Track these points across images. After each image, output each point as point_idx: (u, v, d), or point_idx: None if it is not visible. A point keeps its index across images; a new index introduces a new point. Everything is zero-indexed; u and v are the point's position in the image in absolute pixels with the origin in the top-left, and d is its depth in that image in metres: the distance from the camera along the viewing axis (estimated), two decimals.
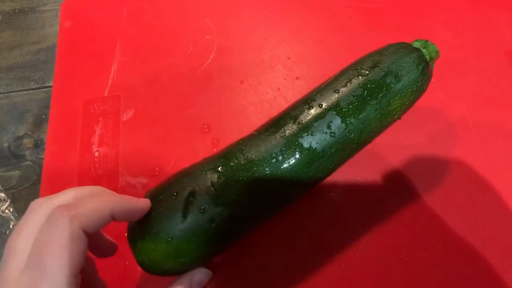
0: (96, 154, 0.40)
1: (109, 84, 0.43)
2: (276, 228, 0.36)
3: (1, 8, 0.50)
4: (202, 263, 0.30)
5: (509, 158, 0.38)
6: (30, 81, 0.45)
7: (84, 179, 0.38)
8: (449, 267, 0.34)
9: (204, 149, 0.39)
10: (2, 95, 0.44)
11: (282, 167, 0.29)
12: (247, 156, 0.30)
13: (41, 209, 0.25)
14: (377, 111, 0.31)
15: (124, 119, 0.41)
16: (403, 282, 0.33)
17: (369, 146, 0.34)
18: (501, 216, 0.36)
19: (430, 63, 0.34)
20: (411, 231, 0.35)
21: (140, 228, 0.28)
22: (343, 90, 0.32)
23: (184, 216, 0.28)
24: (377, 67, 0.33)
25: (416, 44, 0.35)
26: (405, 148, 0.39)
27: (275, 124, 0.32)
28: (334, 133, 0.30)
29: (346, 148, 0.31)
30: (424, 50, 0.34)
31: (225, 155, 0.31)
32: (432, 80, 0.38)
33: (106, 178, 0.39)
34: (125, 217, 0.27)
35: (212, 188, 0.29)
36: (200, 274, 0.29)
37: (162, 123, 0.41)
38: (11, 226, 0.38)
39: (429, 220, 0.35)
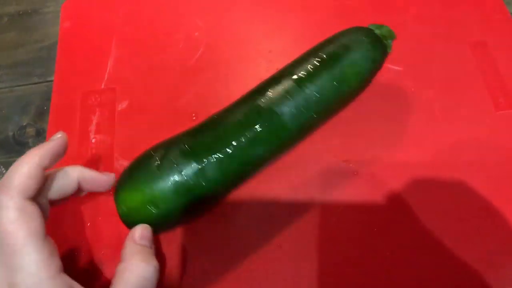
0: (93, 140, 0.43)
1: (106, 78, 0.46)
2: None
3: (7, 11, 0.53)
4: (177, 220, 0.33)
5: (471, 138, 0.41)
6: (33, 76, 0.49)
7: (82, 163, 0.42)
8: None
9: None
10: (7, 89, 0.48)
11: (247, 129, 0.34)
12: (217, 121, 0.34)
13: None
14: (330, 76, 0.35)
15: (119, 109, 0.45)
16: None
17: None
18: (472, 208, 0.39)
19: (384, 41, 0.38)
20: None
21: (121, 182, 0.33)
22: (299, 64, 0.36)
23: (158, 168, 0.32)
24: (330, 43, 0.37)
25: (371, 26, 0.39)
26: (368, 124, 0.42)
27: (242, 98, 0.37)
28: (289, 96, 0.34)
29: (306, 111, 0.35)
30: (377, 30, 0.38)
31: (199, 126, 0.35)
32: (401, 68, 0.41)
33: (102, 162, 0.42)
34: (54, 160, 0.31)
35: (184, 145, 0.33)
36: (139, 229, 0.31)
37: (154, 112, 0.44)
38: None
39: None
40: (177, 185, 0.32)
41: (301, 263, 0.37)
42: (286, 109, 0.34)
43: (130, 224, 0.32)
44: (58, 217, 0.39)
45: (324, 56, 0.36)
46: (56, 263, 0.27)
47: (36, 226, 0.27)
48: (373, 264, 0.37)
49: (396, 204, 0.39)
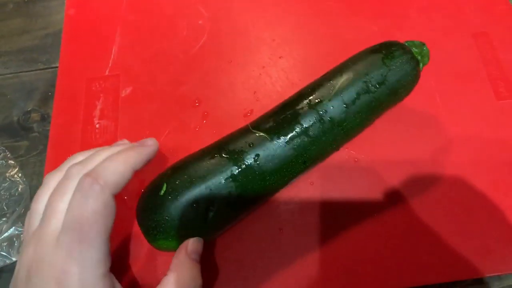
0: (97, 126, 0.44)
1: (110, 65, 0.47)
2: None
3: None
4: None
5: (471, 126, 0.42)
6: (38, 63, 0.49)
7: (86, 148, 0.42)
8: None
9: (195, 121, 0.43)
10: (12, 75, 0.48)
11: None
12: (259, 164, 0.33)
13: (76, 177, 0.29)
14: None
15: (123, 95, 0.45)
16: None
17: None
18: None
19: (421, 63, 0.39)
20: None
21: (158, 227, 0.32)
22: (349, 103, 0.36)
23: (206, 220, 0.32)
24: (383, 84, 0.36)
25: (415, 52, 0.38)
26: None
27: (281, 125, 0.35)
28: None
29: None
30: (419, 57, 0.38)
31: (237, 157, 0.33)
32: None
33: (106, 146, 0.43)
34: (144, 164, 0.32)
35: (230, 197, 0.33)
36: (192, 244, 0.32)
37: (157, 98, 0.45)
38: (19, 189, 0.42)
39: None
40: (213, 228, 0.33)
41: (302, 249, 0.38)
42: (322, 136, 0.35)
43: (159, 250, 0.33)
44: None
45: (375, 103, 0.36)
46: (109, 262, 0.28)
47: (110, 223, 0.28)
48: (370, 254, 0.38)
49: (394, 195, 0.39)
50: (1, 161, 0.43)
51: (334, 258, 0.37)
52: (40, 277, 0.26)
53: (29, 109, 0.46)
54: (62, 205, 0.28)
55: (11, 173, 0.42)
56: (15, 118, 0.46)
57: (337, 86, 0.35)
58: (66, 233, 0.27)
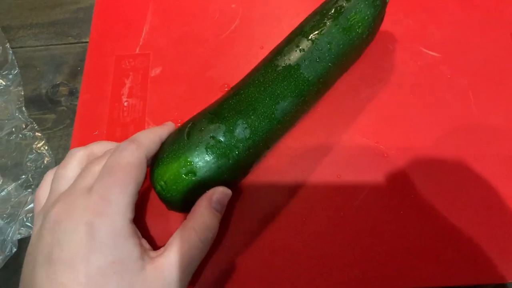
0: (125, 104, 0.44)
1: (140, 43, 0.47)
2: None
3: None
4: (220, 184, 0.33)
5: (503, 129, 0.41)
6: (68, 37, 0.49)
7: (113, 125, 0.42)
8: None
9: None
10: (42, 47, 0.49)
11: (267, 87, 0.35)
12: (239, 87, 0.37)
13: (110, 149, 0.32)
14: (337, 26, 0.37)
15: (152, 75, 0.45)
16: None
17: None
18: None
19: None
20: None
21: (154, 161, 0.33)
22: (307, 21, 0.39)
23: (187, 137, 0.33)
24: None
25: None
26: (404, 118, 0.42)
27: (260, 62, 0.39)
28: (303, 49, 0.36)
29: (320, 61, 0.36)
30: None
31: (223, 96, 0.37)
32: (439, 55, 0.41)
33: (133, 125, 0.42)
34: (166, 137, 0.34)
35: (209, 113, 0.34)
36: (218, 193, 0.32)
37: (186, 81, 0.45)
38: (45, 162, 0.42)
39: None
40: (209, 148, 0.32)
41: (317, 234, 0.38)
42: (302, 62, 0.36)
43: (171, 200, 0.33)
44: None
45: (328, 10, 0.38)
46: (133, 213, 0.30)
47: (141, 179, 0.30)
48: (390, 251, 0.37)
49: (417, 192, 0.39)
50: (28, 133, 0.43)
51: (359, 256, 0.37)
52: (70, 222, 0.27)
53: (57, 83, 0.47)
54: (98, 167, 0.30)
55: (38, 145, 0.43)
56: (44, 91, 0.46)
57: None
58: (102, 178, 0.28)
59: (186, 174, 0.32)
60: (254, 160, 0.36)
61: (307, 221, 0.38)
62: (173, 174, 0.32)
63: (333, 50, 0.37)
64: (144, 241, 0.31)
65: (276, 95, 0.35)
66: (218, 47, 0.46)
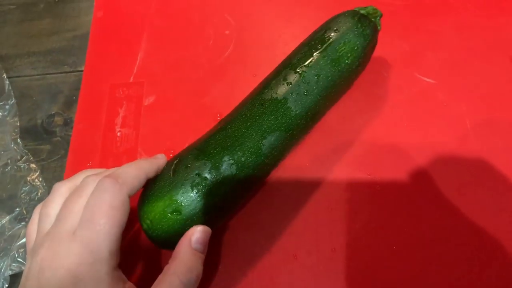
0: (118, 134, 0.44)
1: (135, 71, 0.47)
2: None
3: None
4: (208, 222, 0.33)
5: (501, 155, 0.40)
6: (64, 65, 0.49)
7: (106, 156, 0.42)
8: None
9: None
10: (39, 76, 0.49)
11: (253, 121, 0.35)
12: (226, 121, 0.36)
13: (93, 183, 0.30)
14: (325, 57, 0.37)
15: (145, 103, 0.45)
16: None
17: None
18: None
19: (372, 18, 0.39)
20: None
21: (141, 197, 0.33)
22: (296, 53, 0.39)
23: (173, 174, 0.32)
24: (319, 29, 0.39)
25: (356, 8, 0.40)
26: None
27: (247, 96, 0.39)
28: (290, 82, 0.36)
29: (308, 94, 0.36)
30: (362, 10, 0.39)
31: (209, 131, 0.37)
32: (434, 81, 0.40)
33: (126, 155, 0.42)
34: (154, 174, 0.33)
35: (195, 150, 0.34)
36: (197, 232, 0.31)
37: (179, 109, 0.44)
38: (39, 194, 0.42)
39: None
40: (195, 186, 0.32)
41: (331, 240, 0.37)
42: (289, 96, 0.35)
43: (157, 239, 0.32)
44: None
45: (316, 41, 0.38)
46: (119, 258, 0.29)
47: (124, 221, 0.29)
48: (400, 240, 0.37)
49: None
50: (23, 165, 0.43)
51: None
52: (54, 270, 0.27)
53: (53, 113, 0.47)
54: (78, 207, 0.29)
55: (32, 177, 0.43)
56: (39, 121, 0.46)
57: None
58: (84, 226, 0.28)
59: (171, 213, 0.31)
60: (242, 195, 0.36)
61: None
62: (159, 213, 0.32)
63: (321, 83, 0.36)
64: (130, 286, 0.30)
65: (263, 130, 0.34)
66: (212, 74, 0.46)
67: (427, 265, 0.36)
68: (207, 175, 0.32)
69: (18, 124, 0.46)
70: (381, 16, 0.40)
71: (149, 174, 0.33)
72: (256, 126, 0.34)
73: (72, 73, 0.49)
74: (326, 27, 0.39)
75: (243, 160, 0.33)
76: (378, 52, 0.44)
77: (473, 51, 0.45)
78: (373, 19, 0.39)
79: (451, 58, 0.44)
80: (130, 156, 0.42)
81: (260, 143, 0.34)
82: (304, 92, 0.36)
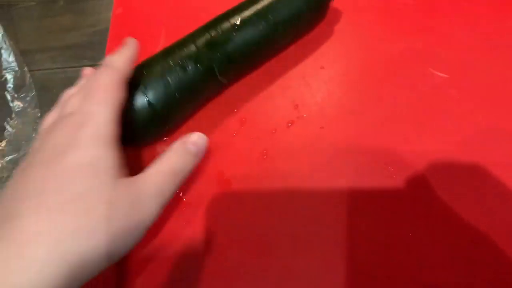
0: None
1: None
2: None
3: None
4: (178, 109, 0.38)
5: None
6: (84, 59, 0.51)
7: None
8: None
9: (233, 127, 0.43)
10: (59, 69, 0.50)
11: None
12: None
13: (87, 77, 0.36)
14: None
15: None
16: None
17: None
18: None
19: None
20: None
21: None
22: None
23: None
24: None
25: None
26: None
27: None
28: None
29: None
30: None
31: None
32: (447, 76, 0.41)
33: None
34: (135, 58, 0.37)
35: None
36: (193, 135, 0.34)
37: None
38: None
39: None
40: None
41: (330, 246, 0.38)
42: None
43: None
44: None
45: None
46: (117, 131, 0.31)
47: (121, 96, 0.32)
48: (398, 247, 0.37)
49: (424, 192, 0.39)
50: None
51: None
52: (56, 132, 0.29)
53: None
54: (75, 100, 0.32)
55: None
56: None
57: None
58: (83, 100, 0.31)
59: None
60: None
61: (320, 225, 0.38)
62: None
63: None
64: (125, 168, 0.32)
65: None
66: None
67: (425, 272, 0.37)
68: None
69: (39, 115, 0.47)
70: None
71: (132, 58, 0.36)
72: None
73: (92, 67, 0.50)
74: None
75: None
76: (391, 50, 0.45)
77: (486, 48, 0.45)
78: None
79: (465, 54, 0.45)
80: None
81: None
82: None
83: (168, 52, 0.39)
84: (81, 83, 0.36)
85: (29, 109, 0.47)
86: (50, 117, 0.34)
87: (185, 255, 0.38)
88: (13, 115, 0.47)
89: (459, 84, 0.43)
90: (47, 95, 0.48)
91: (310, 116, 0.43)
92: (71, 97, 0.33)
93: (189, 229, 0.39)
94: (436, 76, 0.44)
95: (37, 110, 0.47)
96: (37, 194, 0.26)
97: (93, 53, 0.51)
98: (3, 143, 0.45)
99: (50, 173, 0.27)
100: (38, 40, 0.53)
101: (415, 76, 0.44)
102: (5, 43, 0.50)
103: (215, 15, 0.42)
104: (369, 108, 0.43)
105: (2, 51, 0.50)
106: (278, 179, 0.41)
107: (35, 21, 0.54)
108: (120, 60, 0.34)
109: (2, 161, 0.44)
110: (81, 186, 0.26)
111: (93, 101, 0.30)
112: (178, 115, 0.40)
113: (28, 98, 0.47)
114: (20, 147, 0.45)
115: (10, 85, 0.48)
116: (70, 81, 0.47)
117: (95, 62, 0.50)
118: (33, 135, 0.45)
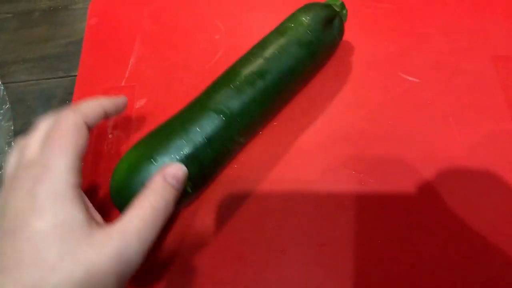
0: (110, 136, 0.44)
1: (126, 75, 0.48)
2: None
3: (39, 6, 0.56)
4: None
5: (485, 154, 0.40)
6: (59, 70, 0.51)
7: (98, 158, 0.43)
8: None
9: None
10: (34, 81, 0.50)
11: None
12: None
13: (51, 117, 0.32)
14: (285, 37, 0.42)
15: (137, 106, 0.46)
16: None
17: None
18: None
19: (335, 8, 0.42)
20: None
21: None
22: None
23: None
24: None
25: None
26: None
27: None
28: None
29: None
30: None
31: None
32: (418, 80, 0.41)
33: (118, 157, 0.43)
34: (114, 111, 0.36)
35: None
36: (173, 168, 0.32)
37: (171, 111, 0.45)
38: None
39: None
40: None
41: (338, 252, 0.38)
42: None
43: (120, 196, 0.34)
44: None
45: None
46: (80, 179, 0.29)
47: (81, 141, 0.30)
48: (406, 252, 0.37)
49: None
50: None
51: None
52: (14, 192, 0.28)
53: None
54: (37, 144, 0.30)
55: None
56: (33, 125, 0.47)
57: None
58: (42, 148, 0.29)
59: (133, 171, 0.35)
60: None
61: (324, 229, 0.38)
62: (121, 172, 0.35)
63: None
64: (95, 213, 0.31)
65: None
66: (203, 77, 0.47)
67: (435, 276, 0.36)
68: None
69: (13, 128, 0.47)
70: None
71: (107, 109, 0.35)
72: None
73: (66, 78, 0.50)
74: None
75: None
76: (366, 54, 0.45)
77: (457, 52, 0.46)
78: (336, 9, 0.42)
79: (436, 58, 0.45)
80: None
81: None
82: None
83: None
84: (42, 126, 0.33)
85: (2, 122, 0.47)
86: (13, 159, 0.31)
87: (187, 256, 0.38)
88: None
89: (432, 88, 0.43)
90: (21, 108, 0.48)
91: None
92: (30, 141, 0.31)
93: (191, 230, 0.39)
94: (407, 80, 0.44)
95: (10, 123, 0.47)
96: (13, 269, 0.25)
97: (67, 64, 0.51)
98: None
99: (19, 243, 0.25)
100: (14, 52, 0.53)
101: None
102: None
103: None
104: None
105: None
106: (285, 183, 0.41)
107: (11, 33, 0.54)
108: (89, 105, 0.33)
109: None
110: (53, 253, 0.25)
111: (51, 148, 0.29)
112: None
113: (1, 111, 0.47)
114: None
115: None
116: (44, 93, 0.48)
117: (69, 73, 0.50)
118: (6, 149, 0.45)
